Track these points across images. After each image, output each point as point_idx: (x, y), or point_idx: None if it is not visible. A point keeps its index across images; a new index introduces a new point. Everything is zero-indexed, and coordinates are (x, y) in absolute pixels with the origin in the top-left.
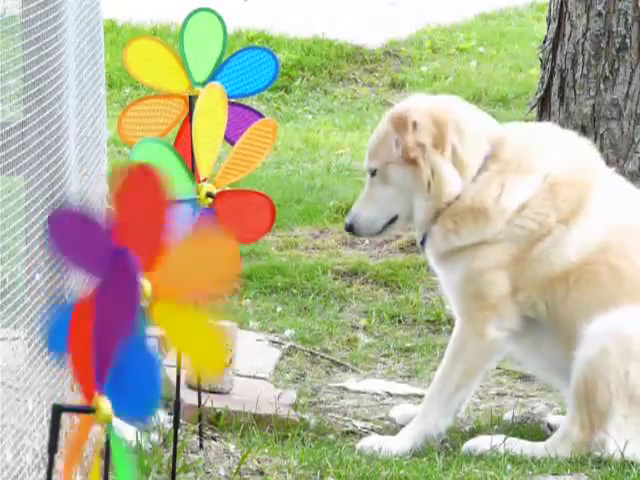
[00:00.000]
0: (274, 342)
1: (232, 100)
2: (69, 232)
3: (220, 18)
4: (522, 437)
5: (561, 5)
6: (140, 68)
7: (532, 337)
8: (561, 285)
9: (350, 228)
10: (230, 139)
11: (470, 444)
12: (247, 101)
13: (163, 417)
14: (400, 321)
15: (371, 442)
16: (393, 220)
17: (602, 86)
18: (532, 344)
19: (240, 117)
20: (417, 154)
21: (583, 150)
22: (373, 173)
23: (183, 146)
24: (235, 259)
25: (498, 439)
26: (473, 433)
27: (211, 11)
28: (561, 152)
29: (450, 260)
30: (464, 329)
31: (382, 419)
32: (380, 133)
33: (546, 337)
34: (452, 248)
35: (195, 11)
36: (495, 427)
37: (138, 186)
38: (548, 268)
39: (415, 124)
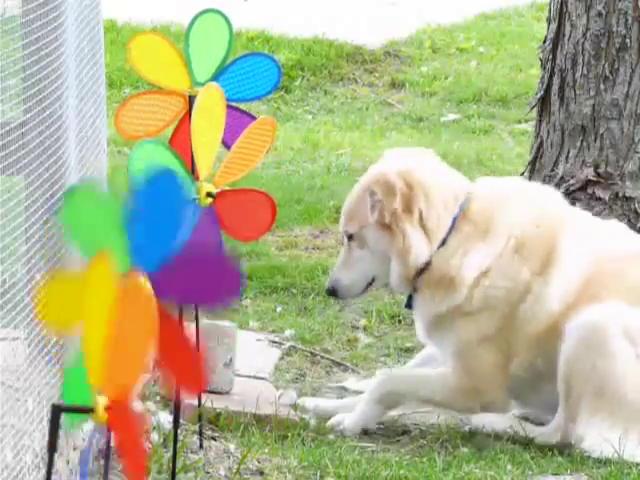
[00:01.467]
0: (274, 342)
1: (230, 104)
2: None
3: (227, 21)
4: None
5: (561, 5)
6: (142, 63)
7: (533, 388)
8: (551, 335)
9: (332, 293)
10: (226, 143)
11: (478, 419)
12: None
13: (163, 417)
14: (400, 321)
15: (337, 420)
16: (371, 282)
17: (602, 86)
18: (532, 391)
19: (237, 121)
20: (391, 219)
21: (547, 201)
22: (350, 237)
23: (179, 144)
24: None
25: (505, 419)
26: (473, 433)
27: (220, 13)
28: (525, 209)
29: (437, 332)
30: (456, 385)
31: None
32: (355, 197)
33: (546, 382)
34: (434, 315)
35: (204, 11)
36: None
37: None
38: (536, 325)
39: (390, 189)
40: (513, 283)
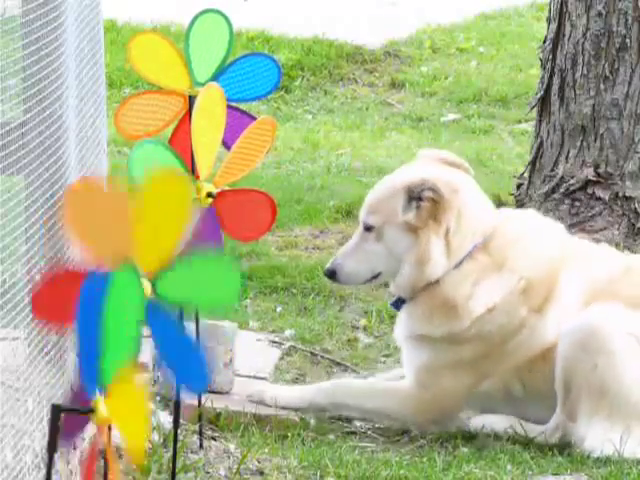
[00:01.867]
0: (274, 342)
1: (230, 104)
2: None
3: (228, 21)
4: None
5: (561, 5)
6: (142, 62)
7: (501, 405)
8: (538, 361)
9: (331, 274)
10: (226, 143)
11: (478, 419)
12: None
13: (163, 417)
14: None
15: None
16: (376, 276)
17: (602, 86)
18: (500, 407)
19: (237, 121)
20: (421, 225)
21: (554, 240)
22: (368, 228)
23: (179, 144)
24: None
25: (505, 419)
26: (473, 434)
27: (220, 13)
28: (537, 251)
29: (417, 343)
30: (414, 400)
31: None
32: (387, 193)
33: (528, 405)
34: (422, 333)
35: (204, 11)
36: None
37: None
38: (526, 354)
39: (438, 198)
40: (511, 320)
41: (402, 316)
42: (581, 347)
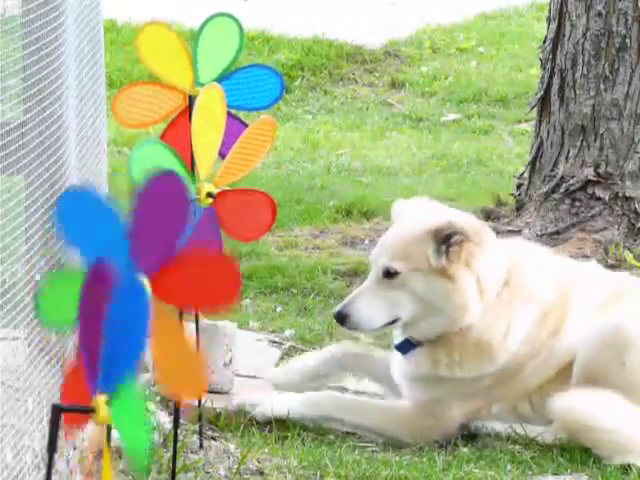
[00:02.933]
0: (274, 342)
1: (228, 110)
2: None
3: (240, 28)
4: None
5: (561, 5)
6: (149, 52)
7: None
8: (553, 381)
9: (342, 319)
10: (220, 150)
11: (479, 423)
12: None
13: (163, 417)
14: None
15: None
16: (393, 322)
17: (602, 86)
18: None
19: (234, 129)
20: (453, 271)
21: (561, 264)
22: (389, 274)
23: (172, 141)
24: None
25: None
26: (473, 435)
27: (234, 19)
28: (551, 276)
29: (429, 382)
30: (408, 420)
31: None
32: (412, 237)
33: (531, 421)
34: (441, 375)
35: (217, 14)
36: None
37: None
38: (543, 376)
39: (474, 234)
40: (533, 348)
41: (411, 358)
42: (607, 346)
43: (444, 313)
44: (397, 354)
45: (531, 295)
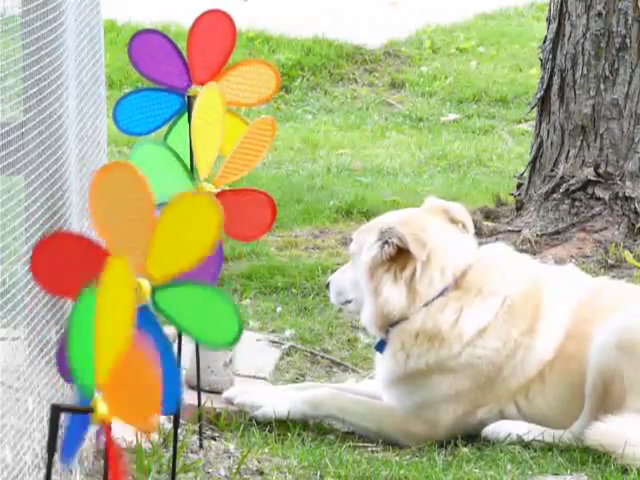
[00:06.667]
0: (274, 342)
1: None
2: None
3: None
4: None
5: (561, 5)
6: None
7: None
8: (536, 382)
9: (327, 287)
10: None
11: (490, 428)
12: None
13: (163, 417)
14: None
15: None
16: (350, 301)
17: (602, 86)
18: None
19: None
20: (376, 266)
21: (530, 265)
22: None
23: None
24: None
25: (520, 425)
26: (473, 436)
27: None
28: (515, 272)
29: (406, 384)
30: (404, 424)
31: None
32: (369, 225)
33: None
34: (405, 371)
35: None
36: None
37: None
38: (523, 375)
39: (405, 248)
40: (503, 343)
41: (381, 362)
42: (622, 348)
43: (369, 300)
44: (378, 361)
45: (489, 289)
